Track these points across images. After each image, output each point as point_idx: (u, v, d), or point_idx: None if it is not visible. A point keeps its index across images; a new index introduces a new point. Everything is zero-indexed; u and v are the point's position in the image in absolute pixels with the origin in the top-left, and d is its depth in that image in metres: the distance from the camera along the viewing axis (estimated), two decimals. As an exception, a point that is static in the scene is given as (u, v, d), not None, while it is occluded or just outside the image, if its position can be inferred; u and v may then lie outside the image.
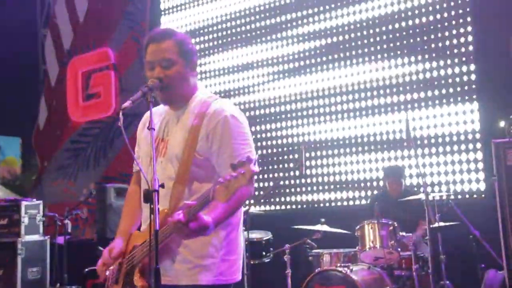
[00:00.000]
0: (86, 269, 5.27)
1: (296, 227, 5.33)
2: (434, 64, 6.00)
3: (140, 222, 2.60)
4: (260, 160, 7.03)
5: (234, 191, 2.01)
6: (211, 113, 2.39)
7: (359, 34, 6.57)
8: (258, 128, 7.21)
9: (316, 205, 6.72)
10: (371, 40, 6.49)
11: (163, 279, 2.32)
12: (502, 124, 4.47)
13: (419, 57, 6.11)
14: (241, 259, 2.50)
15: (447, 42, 5.94)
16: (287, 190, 6.91)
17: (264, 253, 5.61)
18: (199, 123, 2.39)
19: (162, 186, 2.12)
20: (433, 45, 6.03)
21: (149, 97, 2.30)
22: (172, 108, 2.53)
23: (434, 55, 6.02)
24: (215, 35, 7.79)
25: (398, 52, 6.28)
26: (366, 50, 6.51)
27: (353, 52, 6.59)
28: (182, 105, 2.49)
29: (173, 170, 2.39)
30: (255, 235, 5.61)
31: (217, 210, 2.22)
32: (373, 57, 6.44)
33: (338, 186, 6.59)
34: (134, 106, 2.32)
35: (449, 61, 5.91)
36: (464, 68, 5.83)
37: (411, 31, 6.23)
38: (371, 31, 6.49)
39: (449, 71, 5.90)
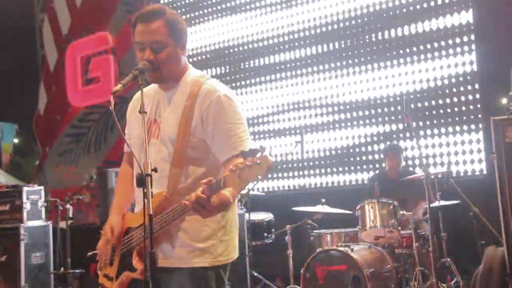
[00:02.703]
0: (89, 253, 5.29)
1: (295, 209, 5.33)
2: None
3: (133, 200, 2.60)
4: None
5: (248, 181, 1.99)
6: (203, 94, 2.36)
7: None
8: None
9: (316, 186, 6.74)
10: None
11: (163, 262, 2.33)
12: (504, 101, 4.45)
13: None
14: (237, 236, 2.50)
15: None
16: (288, 172, 6.93)
17: (265, 234, 5.64)
18: (191, 104, 2.36)
19: (155, 170, 2.10)
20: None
21: (140, 80, 2.27)
22: (161, 88, 2.50)
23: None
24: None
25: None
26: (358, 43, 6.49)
27: None
28: (173, 85, 2.46)
29: (167, 152, 2.38)
30: (256, 216, 5.63)
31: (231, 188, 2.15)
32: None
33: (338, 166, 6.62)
34: (133, 89, 2.31)
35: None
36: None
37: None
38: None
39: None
